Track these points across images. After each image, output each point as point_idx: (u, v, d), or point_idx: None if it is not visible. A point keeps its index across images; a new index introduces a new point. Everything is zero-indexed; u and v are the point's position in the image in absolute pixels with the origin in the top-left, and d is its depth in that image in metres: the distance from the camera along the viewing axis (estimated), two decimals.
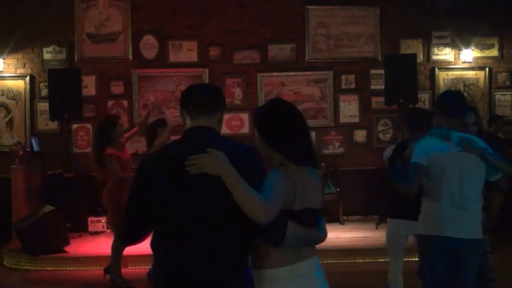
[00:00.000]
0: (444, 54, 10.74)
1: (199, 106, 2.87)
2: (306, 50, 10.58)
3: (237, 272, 2.77)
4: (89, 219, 9.27)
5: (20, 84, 10.39)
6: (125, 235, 2.94)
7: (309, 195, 2.89)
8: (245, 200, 2.61)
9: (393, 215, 5.17)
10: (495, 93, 10.79)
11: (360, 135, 10.64)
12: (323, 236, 3.04)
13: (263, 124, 2.96)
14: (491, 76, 10.79)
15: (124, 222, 2.89)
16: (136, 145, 10.28)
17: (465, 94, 10.60)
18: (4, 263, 8.17)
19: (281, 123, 2.92)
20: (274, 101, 3.16)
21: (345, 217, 9.91)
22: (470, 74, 10.78)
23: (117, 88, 10.50)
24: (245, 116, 10.25)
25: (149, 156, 3.21)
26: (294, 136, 2.91)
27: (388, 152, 5.34)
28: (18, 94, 10.39)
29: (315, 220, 2.95)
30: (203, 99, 2.90)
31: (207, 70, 10.49)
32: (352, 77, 10.66)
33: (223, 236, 2.69)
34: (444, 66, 10.75)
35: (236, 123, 10.38)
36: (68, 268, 7.61)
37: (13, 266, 8.03)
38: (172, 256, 2.74)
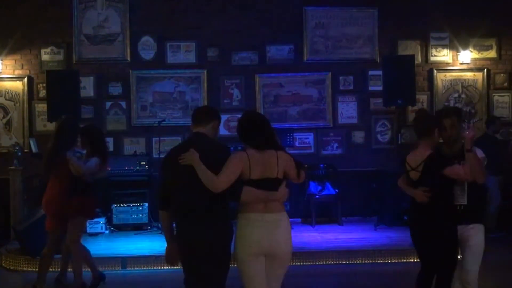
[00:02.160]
0: (442, 55, 10.75)
1: (197, 119, 4.58)
2: (305, 51, 10.59)
3: (221, 217, 4.39)
4: (88, 220, 9.23)
5: (18, 85, 10.38)
6: (161, 203, 4.50)
7: (266, 169, 4.34)
8: (203, 178, 4.24)
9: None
10: (493, 94, 10.80)
11: (358, 136, 10.65)
12: (279, 195, 4.38)
13: (237, 127, 4.53)
14: (489, 77, 10.82)
15: (160, 195, 4.51)
16: (134, 146, 10.36)
17: (463, 96, 10.71)
18: (3, 264, 8.16)
19: (241, 125, 4.49)
20: (243, 112, 4.68)
21: (343, 218, 9.92)
22: (468, 75, 10.79)
23: (115, 89, 10.49)
24: None
25: (169, 151, 4.66)
26: (251, 132, 4.41)
27: None
28: (16, 95, 10.38)
29: (273, 185, 4.35)
30: (199, 114, 4.62)
31: (205, 71, 10.49)
32: (350, 78, 10.67)
33: (206, 195, 4.28)
34: (442, 67, 10.76)
35: (234, 124, 10.33)
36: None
37: (11, 268, 8.02)
38: (178, 206, 4.44)
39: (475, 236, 5.02)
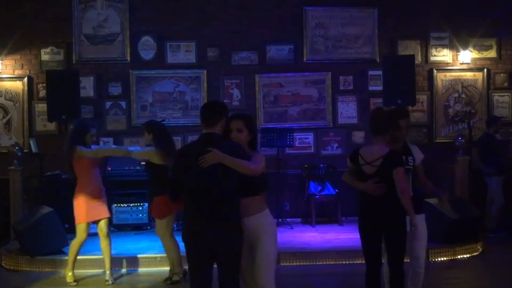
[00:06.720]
0: (442, 55, 10.76)
1: (204, 121, 4.56)
2: (304, 51, 10.59)
3: (231, 215, 4.43)
4: None
5: (18, 85, 10.38)
6: (173, 195, 4.69)
7: None
8: (241, 167, 4.34)
9: None
10: (493, 94, 10.81)
11: (358, 136, 10.65)
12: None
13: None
14: (489, 77, 10.82)
15: (171, 188, 4.65)
16: (134, 146, 10.32)
17: (463, 96, 10.71)
18: (3, 264, 8.15)
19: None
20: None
21: (343, 218, 9.91)
22: (468, 75, 10.80)
23: (115, 89, 10.49)
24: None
25: (180, 150, 4.97)
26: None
27: None
28: (16, 95, 10.38)
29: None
30: (205, 117, 4.56)
31: (205, 71, 10.49)
32: (350, 78, 10.67)
33: (220, 195, 4.39)
34: (442, 67, 10.76)
35: None
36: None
37: (11, 268, 8.02)
38: (190, 204, 4.48)
39: (420, 225, 5.21)
